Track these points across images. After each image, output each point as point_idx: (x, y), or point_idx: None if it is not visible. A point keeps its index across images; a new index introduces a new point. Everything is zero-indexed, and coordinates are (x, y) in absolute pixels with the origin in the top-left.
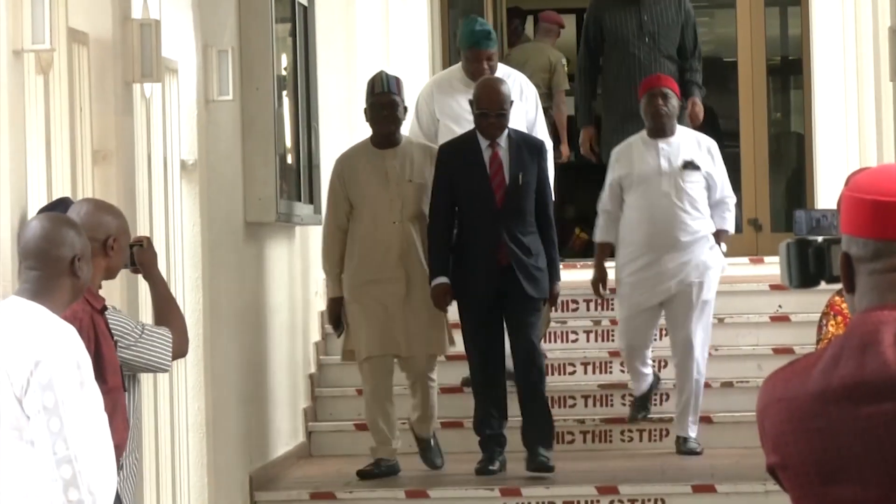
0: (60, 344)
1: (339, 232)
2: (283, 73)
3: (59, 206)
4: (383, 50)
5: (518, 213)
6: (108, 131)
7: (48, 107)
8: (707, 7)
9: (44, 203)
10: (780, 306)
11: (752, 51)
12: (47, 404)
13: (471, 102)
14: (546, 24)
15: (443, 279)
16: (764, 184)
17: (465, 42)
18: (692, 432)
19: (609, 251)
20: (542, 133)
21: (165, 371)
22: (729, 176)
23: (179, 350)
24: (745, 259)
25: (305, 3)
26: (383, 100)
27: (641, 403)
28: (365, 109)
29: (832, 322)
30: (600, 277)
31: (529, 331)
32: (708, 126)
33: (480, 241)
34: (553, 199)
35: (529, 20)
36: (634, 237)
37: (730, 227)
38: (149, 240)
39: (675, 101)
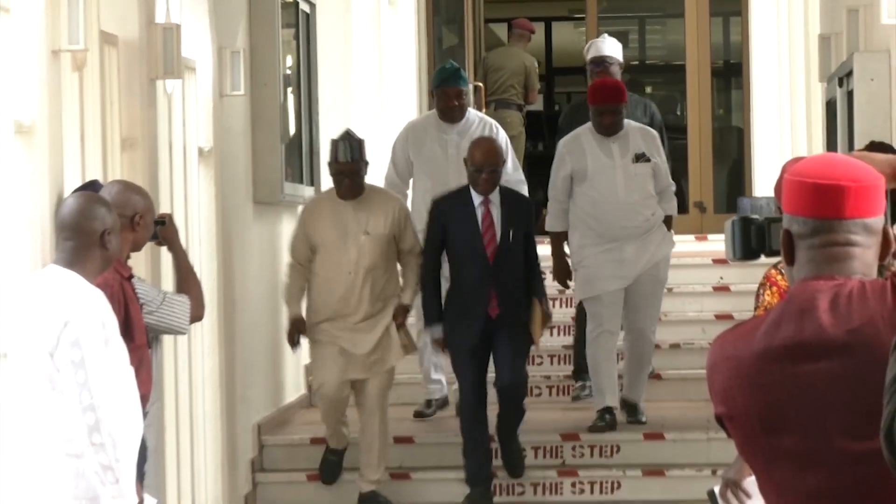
0: (87, 306)
1: (299, 267)
2: (288, 71)
3: (90, 187)
4: (376, 51)
5: (508, 268)
6: (134, 122)
7: (82, 100)
8: (659, 17)
9: (78, 184)
10: (721, 278)
11: (698, 55)
12: (74, 359)
13: (465, 161)
14: (518, 31)
15: (438, 329)
16: (708, 171)
17: (435, 81)
18: (638, 398)
19: (564, 238)
20: (513, 168)
21: (184, 333)
22: (677, 164)
23: (196, 314)
24: (692, 237)
25: (308, 11)
26: (345, 168)
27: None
28: (329, 164)
29: (768, 292)
30: (564, 268)
31: (517, 374)
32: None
33: (471, 293)
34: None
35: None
36: (589, 227)
37: (674, 211)
38: (171, 216)
39: (622, 111)
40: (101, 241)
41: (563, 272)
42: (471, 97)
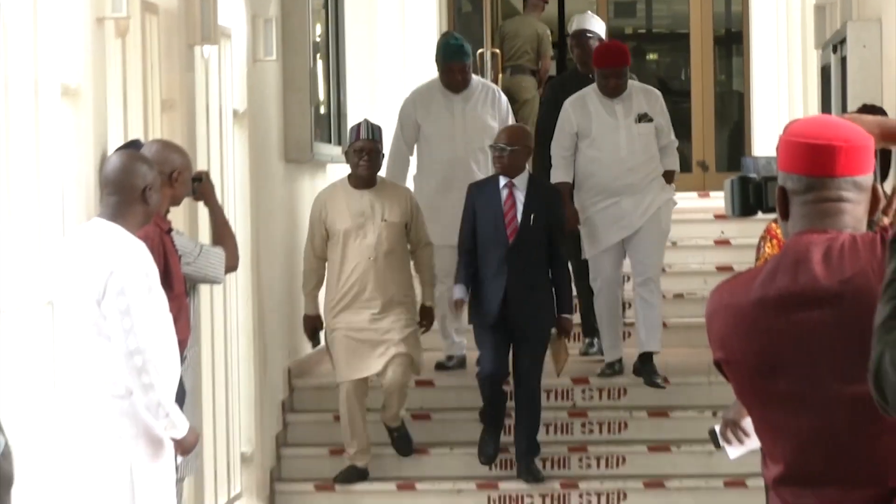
0: (132, 257)
1: (316, 261)
2: (317, 38)
3: (132, 146)
4: (400, 20)
5: (526, 250)
6: (173, 85)
7: (125, 65)
8: None
9: (120, 143)
10: (722, 232)
11: (701, 24)
12: (121, 307)
13: (491, 147)
14: (533, 1)
15: (461, 290)
16: (710, 133)
17: (440, 56)
18: (656, 347)
19: (569, 189)
20: None
21: (219, 282)
22: (681, 127)
23: (231, 266)
24: (695, 194)
25: None
26: (366, 146)
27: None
28: (346, 152)
29: (769, 244)
30: (573, 212)
31: (532, 376)
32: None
33: (492, 271)
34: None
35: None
36: (594, 182)
37: (676, 166)
38: (207, 174)
39: (626, 74)
40: (142, 197)
41: (571, 216)
42: (488, 63)
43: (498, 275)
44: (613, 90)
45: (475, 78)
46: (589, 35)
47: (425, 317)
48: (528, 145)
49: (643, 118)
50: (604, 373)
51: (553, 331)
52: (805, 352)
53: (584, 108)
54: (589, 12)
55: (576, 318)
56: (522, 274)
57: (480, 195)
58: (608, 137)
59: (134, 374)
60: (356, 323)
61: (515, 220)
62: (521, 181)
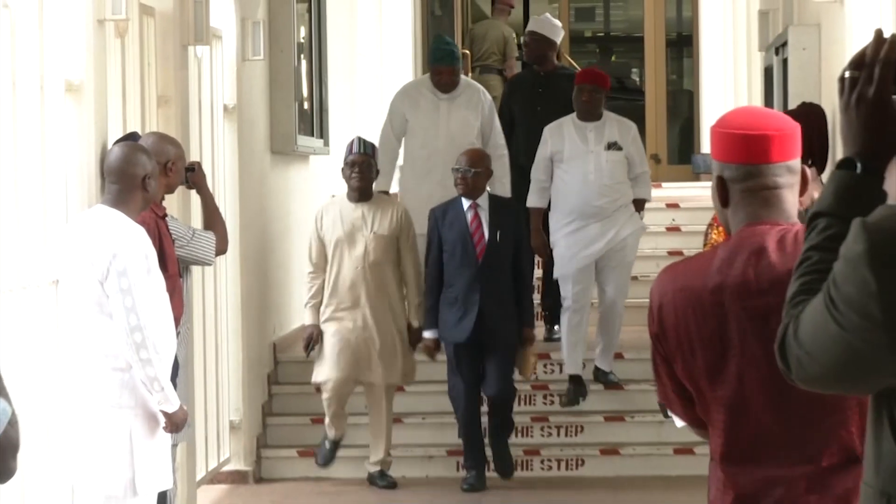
0: (132, 240)
1: (316, 269)
2: (302, 40)
3: (131, 138)
4: (377, 23)
5: (495, 266)
6: (168, 82)
7: (123, 63)
8: None
9: (119, 135)
10: (673, 219)
11: (654, 28)
12: (122, 287)
13: (454, 170)
14: (500, 5)
15: (432, 333)
16: (662, 128)
17: (431, 59)
18: (610, 367)
19: (541, 215)
20: (497, 130)
21: (210, 264)
22: (635, 122)
23: (221, 249)
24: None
25: None
26: (358, 159)
27: (575, 393)
28: (342, 168)
29: (715, 231)
30: (542, 241)
31: (503, 381)
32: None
33: (464, 291)
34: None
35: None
36: (566, 206)
37: (647, 195)
38: (199, 164)
39: (600, 97)
40: (142, 185)
41: (539, 245)
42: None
43: (470, 294)
44: (585, 105)
45: (463, 79)
46: (534, 37)
47: (415, 337)
48: (489, 167)
49: (613, 146)
50: (565, 397)
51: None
52: (758, 335)
53: (560, 133)
54: (547, 15)
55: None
56: (493, 291)
57: (444, 219)
58: (578, 162)
59: (133, 349)
60: (345, 329)
61: (483, 239)
62: (483, 201)
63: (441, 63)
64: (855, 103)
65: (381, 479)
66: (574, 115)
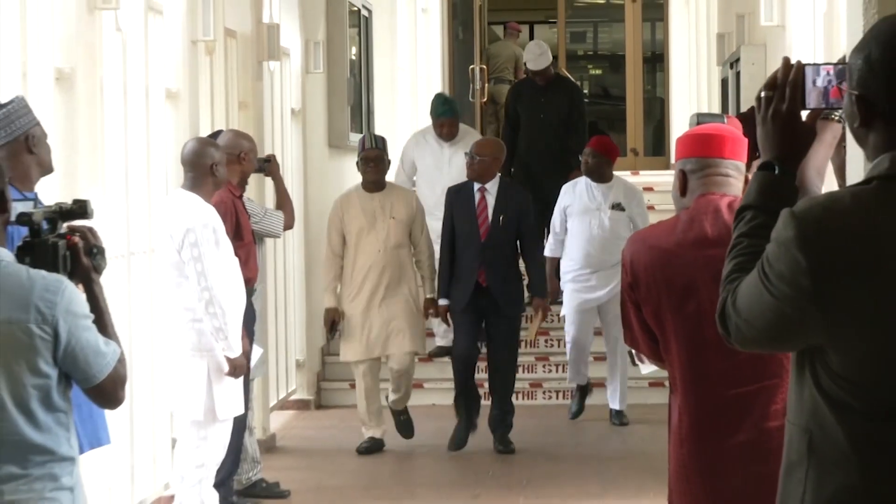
0: (202, 217)
1: (335, 257)
2: (353, 57)
3: (215, 136)
4: (413, 43)
5: (497, 245)
6: (247, 90)
7: (211, 75)
8: (607, 21)
9: (208, 132)
10: (648, 200)
11: (633, 48)
12: (194, 255)
13: (465, 154)
14: (510, 30)
15: (445, 301)
16: (640, 128)
17: (432, 112)
18: (623, 406)
19: (555, 265)
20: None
21: (278, 237)
22: (618, 122)
23: (288, 225)
24: (629, 172)
25: (367, 15)
26: (371, 154)
27: (580, 400)
28: (357, 162)
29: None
30: (555, 288)
31: (506, 350)
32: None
33: (467, 265)
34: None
35: (500, 27)
36: (575, 255)
37: None
38: (274, 156)
39: (598, 160)
40: (211, 171)
41: (552, 292)
42: (477, 75)
43: (473, 268)
44: (588, 167)
45: (462, 127)
46: (535, 71)
47: (429, 307)
48: (498, 157)
49: (616, 206)
50: (575, 413)
51: (529, 310)
52: (711, 280)
53: (573, 191)
54: (530, 46)
55: None
56: (494, 267)
57: (457, 199)
58: (587, 216)
59: (203, 305)
60: (367, 309)
61: (487, 220)
62: (493, 186)
63: (441, 116)
64: (771, 118)
65: (403, 418)
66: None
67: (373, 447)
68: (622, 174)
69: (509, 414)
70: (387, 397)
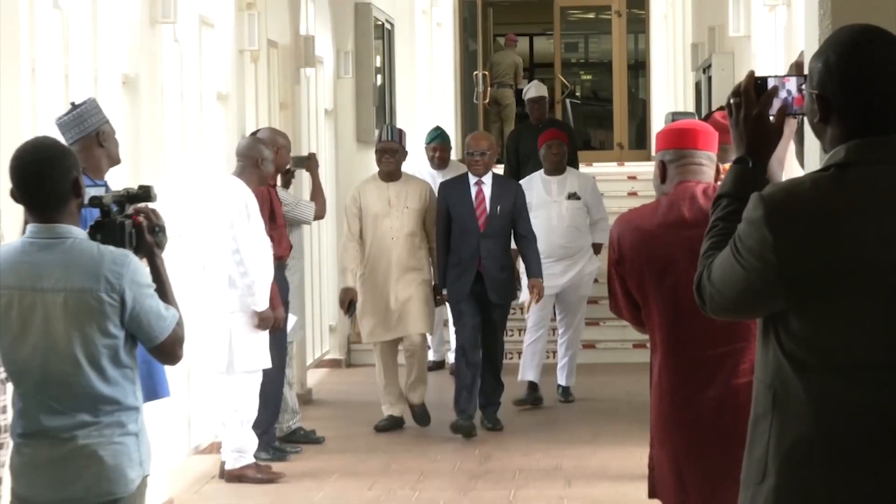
0: (239, 197)
1: (353, 241)
2: (378, 64)
3: (257, 133)
4: (429, 52)
5: (495, 235)
6: (287, 93)
7: (256, 80)
8: (597, 33)
9: (252, 130)
10: (632, 187)
11: (620, 56)
12: (229, 225)
13: (470, 153)
14: (509, 41)
15: (443, 291)
16: (625, 125)
17: (426, 140)
18: (571, 383)
19: (517, 254)
20: None
21: (308, 224)
22: (606, 121)
23: (320, 215)
24: (615, 164)
25: (390, 28)
26: (387, 146)
27: (529, 393)
28: (375, 153)
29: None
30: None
31: (495, 337)
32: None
33: (466, 254)
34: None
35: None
36: (538, 246)
37: (604, 240)
38: (314, 154)
39: (564, 149)
40: (257, 164)
41: (538, 289)
42: (481, 81)
43: (472, 258)
44: (552, 158)
45: (452, 161)
46: (535, 101)
47: (437, 293)
48: (494, 150)
49: (573, 196)
50: (520, 400)
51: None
52: (689, 256)
53: (530, 186)
54: (530, 88)
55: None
56: (492, 256)
57: (453, 192)
58: (545, 209)
59: (234, 265)
60: (382, 292)
61: (486, 212)
62: (488, 178)
63: (431, 142)
64: (743, 120)
65: (419, 410)
66: (541, 171)
67: (391, 425)
68: (609, 165)
69: (498, 392)
70: (407, 400)
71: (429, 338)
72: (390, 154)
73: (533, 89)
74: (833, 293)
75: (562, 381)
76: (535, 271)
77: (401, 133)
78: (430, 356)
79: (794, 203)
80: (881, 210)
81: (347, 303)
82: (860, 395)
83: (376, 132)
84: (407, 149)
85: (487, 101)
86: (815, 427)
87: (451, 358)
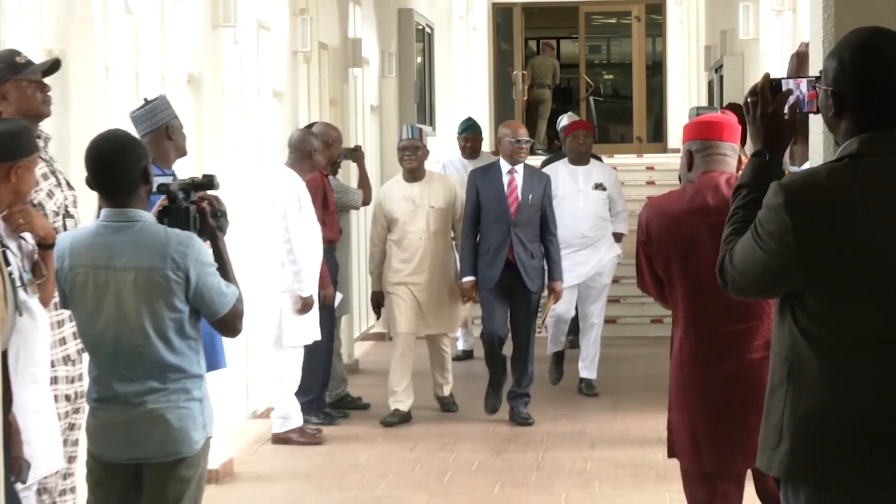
0: (292, 188)
1: (380, 243)
2: (418, 63)
3: (311, 127)
4: (465, 54)
5: (525, 223)
6: (336, 91)
7: (308, 79)
8: (618, 37)
9: (305, 124)
10: (650, 177)
11: (639, 58)
12: (282, 215)
13: (510, 141)
14: (546, 47)
15: (470, 277)
16: (643, 120)
17: (458, 131)
18: (593, 376)
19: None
20: None
21: (357, 209)
22: (626, 116)
23: (366, 201)
24: (634, 155)
25: (430, 32)
26: (408, 144)
27: (558, 366)
28: (397, 146)
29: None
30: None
31: (528, 324)
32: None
33: (496, 242)
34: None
35: (535, 42)
36: (561, 235)
37: (624, 230)
38: (360, 146)
39: (590, 140)
40: (309, 156)
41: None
42: (520, 80)
43: (502, 245)
44: (580, 148)
45: (484, 151)
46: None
47: (467, 293)
48: (529, 138)
49: (598, 187)
50: (556, 379)
51: (545, 293)
52: (711, 241)
53: (555, 176)
54: (563, 123)
55: None
56: (522, 244)
57: (484, 179)
58: (570, 198)
59: (284, 252)
60: (410, 290)
61: (518, 199)
62: (519, 167)
63: (462, 133)
64: (760, 118)
65: (446, 401)
66: (565, 160)
67: (398, 420)
68: (629, 157)
69: (525, 382)
70: (435, 394)
71: (459, 330)
72: (412, 151)
73: (566, 119)
74: (846, 274)
75: (584, 374)
76: (556, 274)
77: (421, 131)
78: (460, 345)
79: (812, 191)
80: (892, 197)
81: (375, 304)
82: (869, 368)
83: (399, 130)
84: (427, 147)
85: (527, 98)
86: (827, 395)
87: (465, 347)
